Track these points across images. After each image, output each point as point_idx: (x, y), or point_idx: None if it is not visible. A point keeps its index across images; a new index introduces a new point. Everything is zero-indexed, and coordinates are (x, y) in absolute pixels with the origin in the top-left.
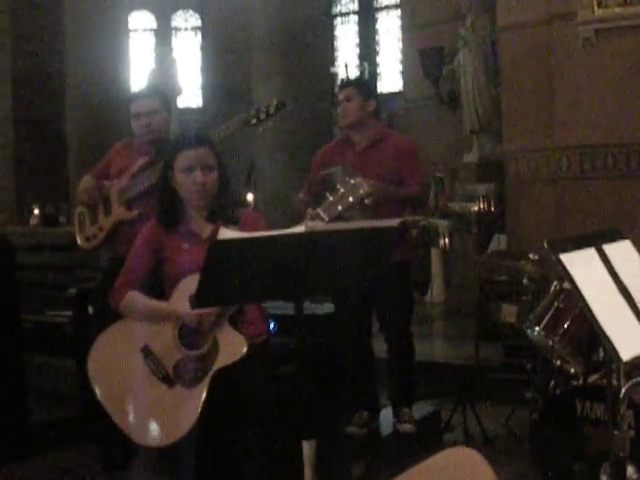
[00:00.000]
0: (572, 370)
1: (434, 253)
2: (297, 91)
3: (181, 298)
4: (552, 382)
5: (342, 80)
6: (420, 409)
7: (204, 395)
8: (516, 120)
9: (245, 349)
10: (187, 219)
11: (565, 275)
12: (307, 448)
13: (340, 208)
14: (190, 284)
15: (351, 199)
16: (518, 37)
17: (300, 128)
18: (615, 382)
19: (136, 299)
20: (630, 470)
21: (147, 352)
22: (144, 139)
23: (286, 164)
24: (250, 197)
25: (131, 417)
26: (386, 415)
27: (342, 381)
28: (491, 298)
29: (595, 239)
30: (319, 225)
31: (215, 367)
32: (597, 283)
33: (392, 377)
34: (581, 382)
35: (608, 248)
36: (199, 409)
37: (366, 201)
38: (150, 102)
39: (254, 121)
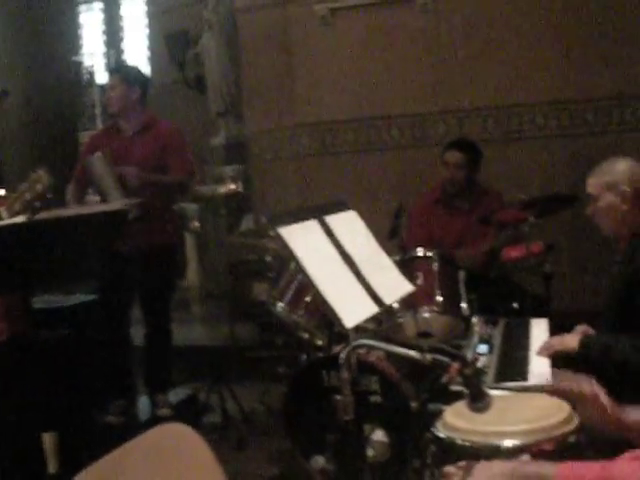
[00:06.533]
0: (319, 342)
1: (188, 237)
2: (41, 81)
3: None
4: (304, 356)
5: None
6: (177, 393)
7: None
8: (257, 101)
9: None
10: None
11: (285, 248)
12: (48, 440)
13: (18, 207)
14: None
15: (28, 196)
16: (255, 18)
17: (45, 117)
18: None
19: None
20: (379, 434)
21: None
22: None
23: (33, 155)
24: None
25: None
26: (144, 402)
27: (95, 371)
28: (243, 278)
29: (317, 211)
30: None
31: None
32: (320, 254)
33: (148, 364)
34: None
35: (330, 219)
36: None
37: (48, 195)
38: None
39: None
